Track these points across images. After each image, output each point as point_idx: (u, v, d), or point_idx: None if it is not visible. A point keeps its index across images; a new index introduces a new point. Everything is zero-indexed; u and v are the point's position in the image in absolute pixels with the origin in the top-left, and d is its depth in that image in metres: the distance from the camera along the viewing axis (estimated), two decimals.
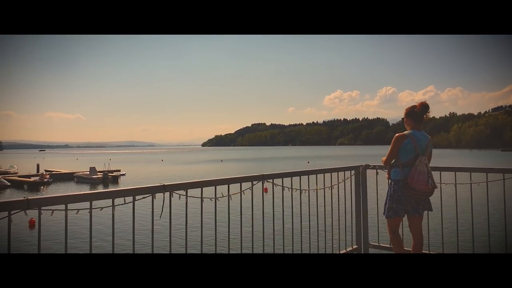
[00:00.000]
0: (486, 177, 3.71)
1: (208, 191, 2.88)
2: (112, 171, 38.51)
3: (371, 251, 4.49)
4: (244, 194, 3.08)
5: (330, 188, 4.00)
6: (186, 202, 2.65)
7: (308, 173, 3.81)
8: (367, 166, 4.47)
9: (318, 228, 3.90)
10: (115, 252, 2.25)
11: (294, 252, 3.54)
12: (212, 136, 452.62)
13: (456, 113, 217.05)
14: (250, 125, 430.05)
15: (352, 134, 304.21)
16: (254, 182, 3.18)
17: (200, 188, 2.78)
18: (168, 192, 2.52)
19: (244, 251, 2.90)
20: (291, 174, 3.60)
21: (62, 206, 2.04)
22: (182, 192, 2.61)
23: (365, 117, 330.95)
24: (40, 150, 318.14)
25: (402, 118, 3.90)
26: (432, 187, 3.61)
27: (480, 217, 3.94)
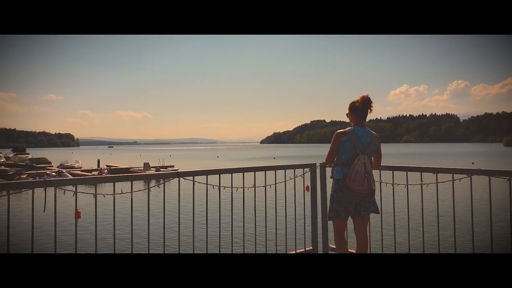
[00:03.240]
0: (436, 177, 3.41)
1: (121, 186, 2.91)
2: (166, 167, 40.23)
3: (331, 253, 4.27)
4: (150, 191, 3.08)
5: (272, 186, 3.86)
6: (76, 199, 2.68)
7: (243, 170, 3.70)
8: (325, 164, 4.25)
9: (254, 228, 3.79)
10: None
11: (240, 252, 3.48)
12: (270, 133, 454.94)
13: None
14: (309, 122, 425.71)
15: (419, 131, 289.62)
16: (167, 180, 3.17)
17: (93, 185, 2.81)
18: (53, 187, 2.58)
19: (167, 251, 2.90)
20: (218, 172, 3.53)
21: None
22: (71, 188, 2.67)
23: (433, 113, 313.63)
24: (109, 147, 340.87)
25: (346, 114, 3.66)
26: (368, 188, 3.35)
27: (432, 218, 3.59)
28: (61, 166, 41.45)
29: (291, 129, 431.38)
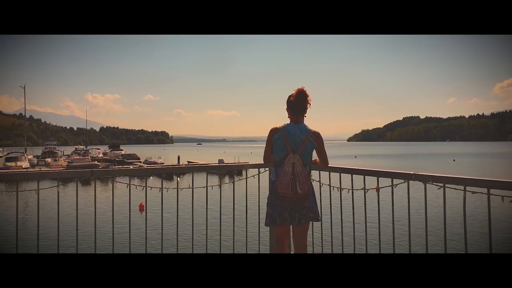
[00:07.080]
0: (377, 181, 2.97)
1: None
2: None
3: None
4: (56, 190, 3.05)
5: (216, 186, 3.60)
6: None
7: (181, 170, 3.53)
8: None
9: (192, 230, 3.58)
10: None
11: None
12: (358, 130, 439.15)
13: None
14: (401, 119, 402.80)
15: None
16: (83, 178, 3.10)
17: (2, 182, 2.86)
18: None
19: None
20: (158, 171, 3.39)
21: None
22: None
23: None
24: (197, 144, 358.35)
25: (286, 109, 3.27)
26: (293, 192, 2.95)
27: (375, 221, 3.13)
28: (145, 161, 44.89)
29: (381, 126, 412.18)
